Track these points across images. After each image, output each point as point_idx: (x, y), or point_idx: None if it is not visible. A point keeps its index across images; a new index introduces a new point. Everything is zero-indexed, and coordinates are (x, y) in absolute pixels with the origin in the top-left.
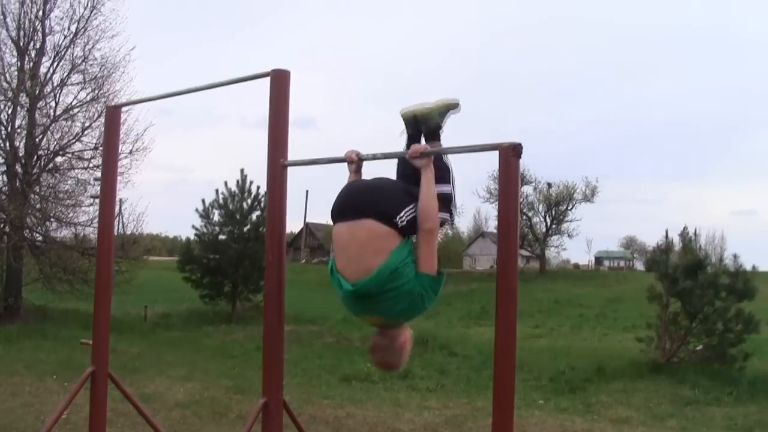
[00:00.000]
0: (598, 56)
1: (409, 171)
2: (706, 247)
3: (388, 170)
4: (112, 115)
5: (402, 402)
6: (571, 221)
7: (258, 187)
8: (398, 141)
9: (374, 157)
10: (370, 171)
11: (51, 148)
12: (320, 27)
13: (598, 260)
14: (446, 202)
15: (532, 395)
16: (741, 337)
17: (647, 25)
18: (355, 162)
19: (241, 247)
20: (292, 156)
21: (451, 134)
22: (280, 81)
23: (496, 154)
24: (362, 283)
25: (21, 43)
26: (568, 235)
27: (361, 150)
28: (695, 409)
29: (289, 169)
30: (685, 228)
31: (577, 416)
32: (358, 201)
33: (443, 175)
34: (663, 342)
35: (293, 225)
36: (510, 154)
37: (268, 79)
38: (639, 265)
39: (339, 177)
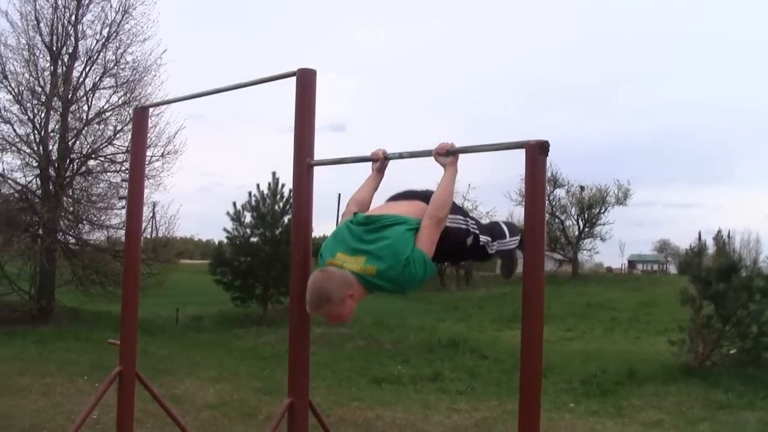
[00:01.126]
0: (631, 58)
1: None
2: (740, 250)
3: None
4: (140, 116)
5: (431, 404)
6: (603, 225)
7: (290, 190)
8: (426, 144)
9: (400, 156)
10: (395, 171)
11: (83, 152)
12: (354, 31)
13: (631, 264)
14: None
15: (562, 398)
16: None
17: (680, 26)
18: (381, 159)
19: (273, 250)
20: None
21: (480, 137)
22: (306, 80)
23: (525, 157)
24: (375, 216)
25: (54, 48)
26: (601, 239)
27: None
28: (728, 413)
29: (321, 174)
30: (719, 231)
31: (608, 419)
32: (415, 193)
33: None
34: (696, 345)
35: (325, 228)
36: (537, 152)
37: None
38: (672, 269)
39: None
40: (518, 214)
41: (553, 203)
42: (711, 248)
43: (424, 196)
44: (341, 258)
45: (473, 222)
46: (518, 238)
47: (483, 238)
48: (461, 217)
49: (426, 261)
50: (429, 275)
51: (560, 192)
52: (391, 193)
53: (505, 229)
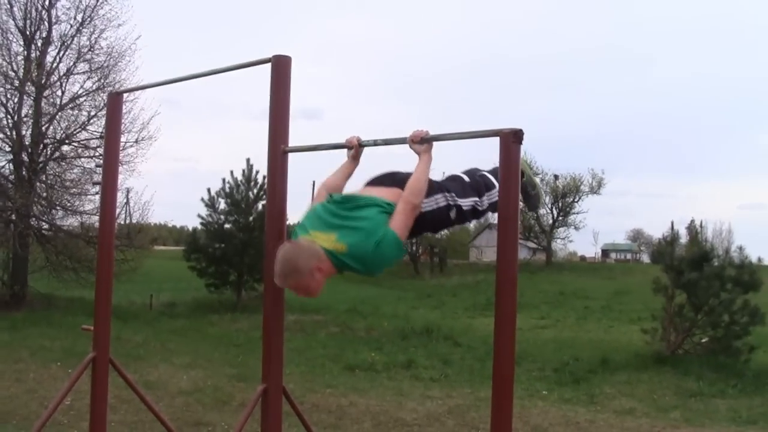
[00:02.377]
0: (605, 45)
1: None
2: (712, 240)
3: (389, 157)
4: (114, 102)
5: (405, 391)
6: (577, 213)
7: (264, 177)
8: (401, 131)
9: (375, 143)
10: (370, 159)
11: (57, 137)
12: (328, 19)
13: (605, 253)
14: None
15: (535, 386)
16: (746, 329)
17: (655, 14)
18: (355, 147)
19: (247, 237)
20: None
21: (454, 123)
22: (281, 67)
23: (499, 145)
24: (351, 195)
25: (27, 32)
26: (575, 228)
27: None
28: (699, 401)
29: (295, 162)
30: (692, 221)
31: (581, 407)
32: (396, 177)
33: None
34: (668, 334)
35: (299, 215)
36: (511, 140)
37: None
38: (645, 258)
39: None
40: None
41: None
42: (684, 238)
43: (404, 183)
44: (313, 235)
45: (453, 194)
46: None
47: (468, 204)
48: (440, 195)
49: (397, 243)
50: (397, 257)
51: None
52: (366, 178)
53: (492, 178)
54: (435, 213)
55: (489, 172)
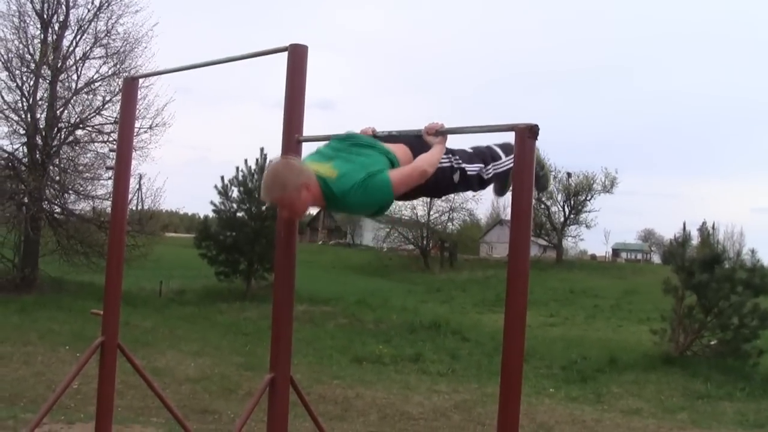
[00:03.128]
0: (622, 44)
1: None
2: (724, 242)
3: None
4: (130, 87)
5: (412, 385)
6: (589, 212)
7: None
8: (415, 123)
9: (389, 134)
10: None
11: (71, 121)
12: (345, 9)
13: (616, 252)
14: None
15: (543, 383)
16: (756, 332)
17: (671, 17)
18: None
19: (258, 226)
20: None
21: (468, 118)
22: (297, 56)
23: (514, 140)
24: (358, 134)
25: (45, 16)
26: (586, 226)
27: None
28: (707, 403)
29: (309, 151)
30: (704, 222)
31: (587, 405)
32: (404, 137)
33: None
34: (677, 335)
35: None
36: (526, 135)
37: (286, 57)
38: (656, 258)
39: None
40: (503, 199)
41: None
42: (695, 239)
43: (410, 142)
44: (310, 164)
45: (458, 156)
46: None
47: (472, 169)
48: (444, 157)
49: (388, 187)
50: (382, 203)
51: None
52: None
53: (499, 150)
54: (438, 174)
55: (497, 145)
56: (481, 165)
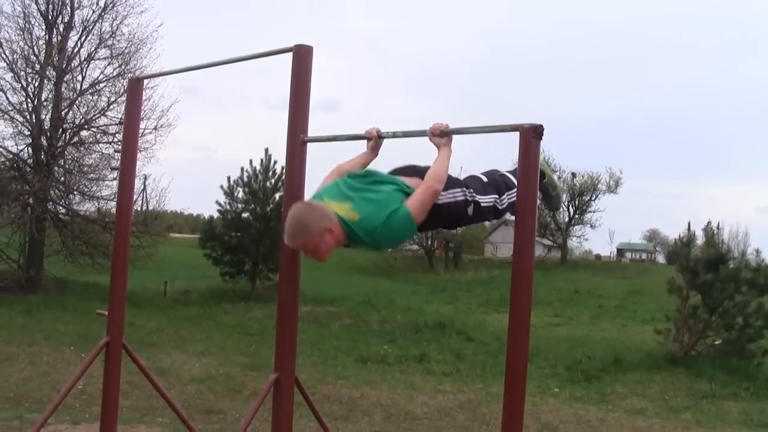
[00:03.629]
0: (625, 46)
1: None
2: (729, 242)
3: (407, 150)
4: (135, 88)
5: (417, 385)
6: (594, 212)
7: (282, 167)
8: (420, 124)
9: (394, 135)
10: (389, 151)
11: (76, 122)
12: (350, 10)
13: (620, 252)
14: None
15: (547, 383)
16: (760, 332)
17: (674, 15)
18: (375, 138)
19: (263, 226)
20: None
21: (473, 118)
22: (302, 56)
23: (518, 140)
24: (372, 171)
25: (49, 17)
26: (591, 226)
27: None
28: (711, 402)
29: (314, 153)
30: (708, 222)
31: (592, 405)
32: (417, 169)
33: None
34: (681, 335)
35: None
36: (531, 135)
37: (291, 57)
38: (661, 258)
39: None
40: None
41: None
42: (700, 239)
43: (423, 174)
44: (328, 202)
45: (472, 190)
46: None
47: (487, 201)
48: (458, 190)
49: (409, 221)
50: (408, 235)
51: None
52: (388, 169)
53: (513, 178)
54: (452, 207)
55: (509, 172)
56: (496, 196)
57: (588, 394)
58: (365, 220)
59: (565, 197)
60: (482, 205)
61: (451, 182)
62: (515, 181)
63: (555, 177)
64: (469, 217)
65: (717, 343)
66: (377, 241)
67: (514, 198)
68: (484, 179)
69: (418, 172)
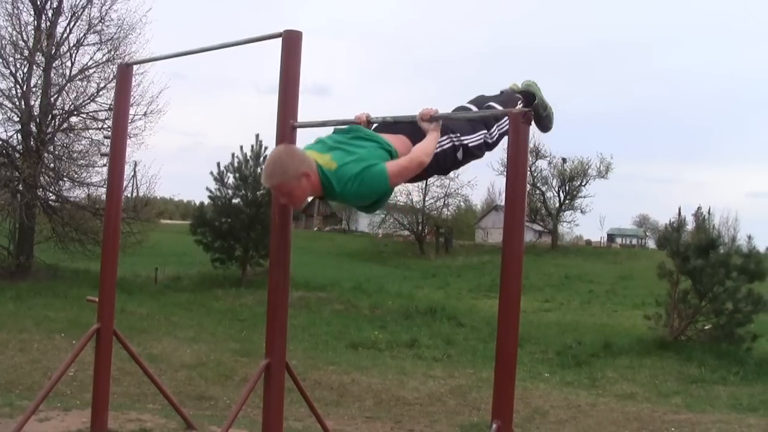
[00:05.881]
0: (617, 30)
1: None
2: (719, 227)
3: None
4: (124, 73)
5: (407, 370)
6: (584, 197)
7: None
8: (410, 109)
9: (383, 120)
10: None
11: (66, 108)
12: None
13: (611, 237)
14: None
15: (538, 368)
16: (750, 317)
17: (667, 1)
18: (364, 123)
19: (254, 212)
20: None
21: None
22: (291, 41)
23: (508, 125)
24: (358, 127)
25: (38, 2)
26: (581, 211)
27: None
28: (700, 387)
29: (304, 138)
30: (699, 207)
31: (582, 390)
32: (401, 126)
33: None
34: (671, 320)
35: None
36: (520, 120)
37: (280, 43)
38: (651, 244)
39: None
40: (500, 185)
41: (535, 174)
42: (690, 224)
43: (409, 131)
44: (310, 153)
45: (458, 134)
46: (520, 103)
47: (475, 140)
48: (444, 138)
49: (384, 178)
50: (379, 193)
51: (542, 163)
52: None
53: (499, 107)
54: (439, 156)
55: (496, 101)
56: (485, 131)
57: (578, 378)
58: (341, 169)
59: (555, 182)
60: (470, 145)
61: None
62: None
63: (545, 97)
64: (460, 161)
65: (707, 327)
66: (348, 193)
67: (505, 127)
68: (473, 108)
69: (401, 128)
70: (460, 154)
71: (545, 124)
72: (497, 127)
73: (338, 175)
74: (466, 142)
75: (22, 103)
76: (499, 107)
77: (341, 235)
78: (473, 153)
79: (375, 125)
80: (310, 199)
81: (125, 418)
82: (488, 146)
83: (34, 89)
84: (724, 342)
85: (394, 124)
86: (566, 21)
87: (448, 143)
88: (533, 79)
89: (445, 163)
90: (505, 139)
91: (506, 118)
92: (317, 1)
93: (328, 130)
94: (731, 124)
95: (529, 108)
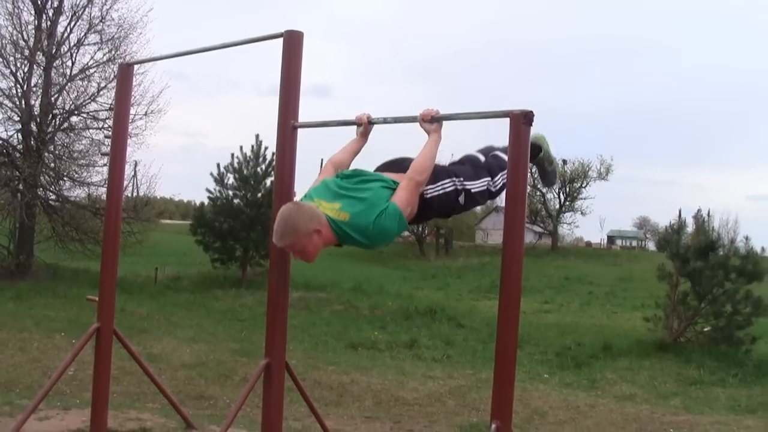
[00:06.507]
0: (617, 34)
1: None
2: (719, 230)
3: (398, 136)
4: (125, 73)
5: (407, 370)
6: (584, 199)
7: (273, 153)
8: (411, 110)
9: (384, 121)
10: (379, 137)
11: (66, 108)
12: None
13: (611, 239)
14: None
15: (537, 369)
16: (749, 319)
17: (666, 6)
18: (365, 124)
19: (254, 213)
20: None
21: (464, 105)
22: (292, 42)
23: (509, 127)
24: (359, 170)
25: (39, 2)
26: (582, 213)
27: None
28: (699, 389)
29: (304, 139)
30: (698, 210)
31: (582, 391)
32: (406, 163)
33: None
34: (671, 321)
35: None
36: (521, 121)
37: (281, 44)
38: (651, 246)
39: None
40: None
41: (535, 176)
42: (690, 226)
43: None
44: (318, 202)
45: (461, 178)
46: None
47: (478, 187)
48: (447, 181)
49: (398, 217)
50: (399, 232)
51: None
52: (374, 158)
53: (505, 157)
54: (442, 198)
55: (503, 150)
56: (488, 179)
57: (578, 380)
58: (355, 219)
59: (556, 184)
60: (473, 191)
61: (440, 173)
62: (507, 159)
63: (552, 151)
64: (462, 206)
65: (706, 329)
66: (370, 240)
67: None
68: (481, 158)
69: (405, 167)
70: (462, 199)
71: (550, 179)
72: (501, 176)
73: (353, 226)
74: (469, 187)
75: (23, 102)
76: (505, 157)
77: None
78: (475, 199)
79: (380, 165)
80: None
81: (125, 417)
82: (491, 194)
83: (34, 89)
84: (723, 344)
85: (397, 163)
86: (567, 20)
87: (450, 186)
88: (543, 132)
89: (446, 205)
90: (506, 141)
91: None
92: (319, 2)
93: (329, 139)
94: (732, 127)
95: (533, 161)
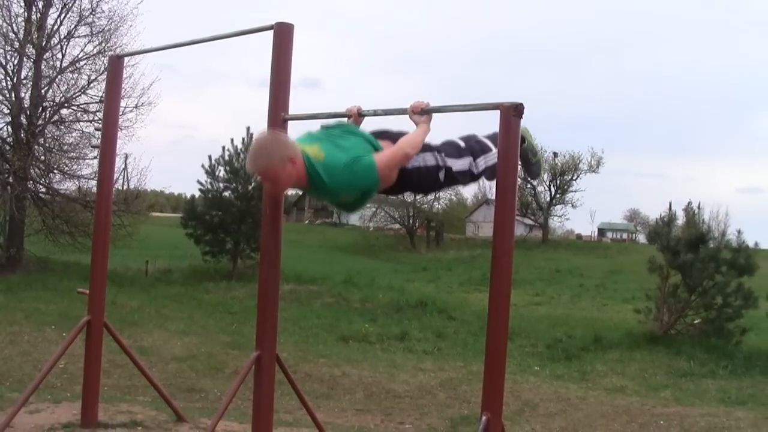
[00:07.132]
0: (608, 26)
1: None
2: (709, 222)
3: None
4: (115, 65)
5: (398, 363)
6: (575, 191)
7: None
8: (401, 102)
9: (375, 113)
10: (369, 128)
11: (56, 100)
12: None
13: (601, 232)
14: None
15: (528, 361)
16: (739, 312)
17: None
18: (355, 116)
19: (245, 206)
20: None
21: (454, 98)
22: (283, 34)
23: (499, 119)
24: (346, 123)
25: None
26: (572, 206)
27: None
28: (690, 380)
29: (295, 131)
30: (689, 202)
31: (572, 383)
32: (389, 133)
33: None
34: (661, 314)
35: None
36: (511, 113)
37: (272, 36)
38: (642, 238)
39: None
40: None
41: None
42: (681, 219)
43: (396, 138)
44: (300, 144)
45: (443, 154)
46: None
47: (460, 166)
48: (429, 154)
49: (373, 170)
50: (367, 187)
51: None
52: None
53: (488, 142)
54: (422, 171)
55: (487, 136)
56: (470, 158)
57: (568, 372)
58: (329, 159)
59: (546, 177)
60: (454, 170)
61: (424, 147)
62: (491, 146)
63: (536, 143)
64: (441, 183)
65: (696, 322)
66: (335, 183)
67: (492, 161)
68: (461, 144)
69: (390, 136)
70: (442, 175)
71: (534, 171)
72: (484, 158)
73: (326, 165)
74: (450, 165)
75: (13, 95)
76: (489, 142)
77: (332, 228)
78: (456, 178)
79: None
80: (292, 192)
81: (116, 410)
82: (472, 176)
83: (24, 81)
84: (714, 336)
85: (385, 132)
86: (558, 16)
87: (432, 161)
88: (525, 125)
89: (426, 179)
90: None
91: (493, 152)
92: None
93: (319, 123)
94: (722, 118)
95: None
